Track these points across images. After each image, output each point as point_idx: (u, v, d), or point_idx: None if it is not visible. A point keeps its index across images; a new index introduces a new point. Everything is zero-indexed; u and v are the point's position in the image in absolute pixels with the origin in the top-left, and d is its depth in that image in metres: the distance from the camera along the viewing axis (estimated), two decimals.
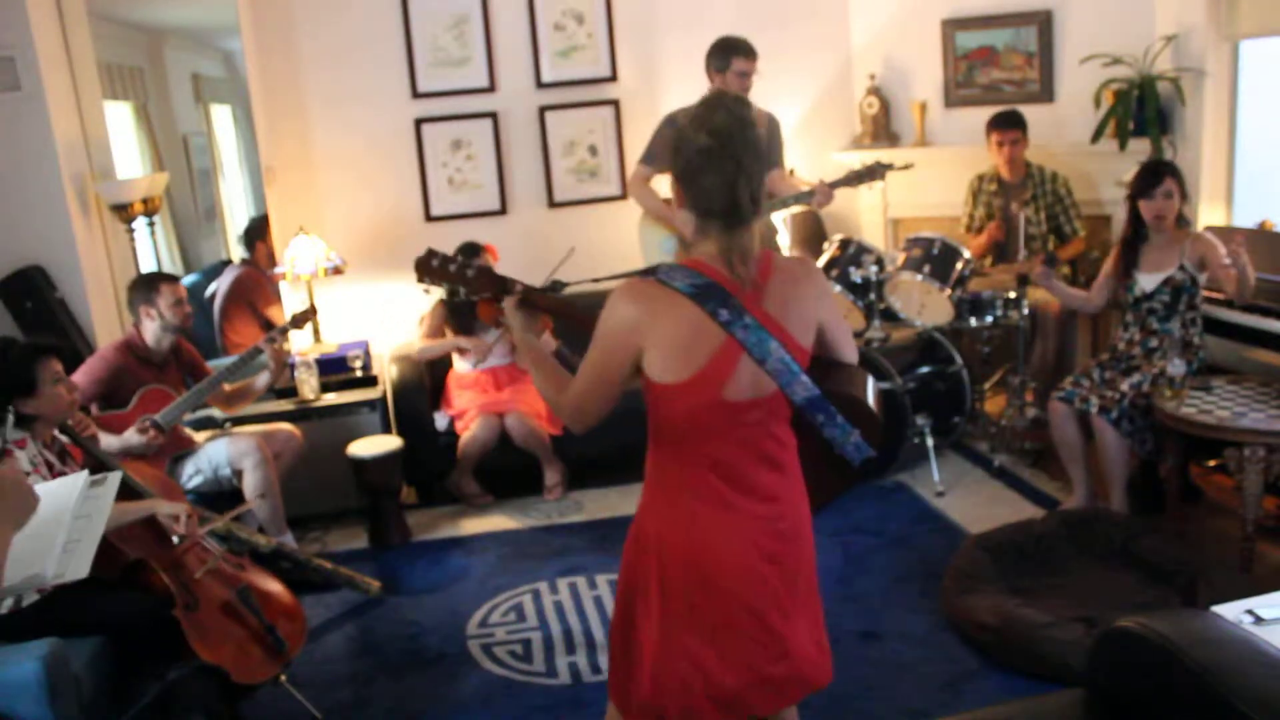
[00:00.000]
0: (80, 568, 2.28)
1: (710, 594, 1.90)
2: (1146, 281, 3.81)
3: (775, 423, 1.92)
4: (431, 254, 2.13)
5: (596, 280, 2.42)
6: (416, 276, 2.17)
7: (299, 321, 4.05)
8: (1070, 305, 4.28)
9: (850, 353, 2.06)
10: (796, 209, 4.93)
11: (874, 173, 4.10)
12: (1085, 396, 3.79)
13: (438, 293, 2.31)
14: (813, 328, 1.94)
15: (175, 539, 2.93)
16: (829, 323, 1.99)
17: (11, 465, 2.17)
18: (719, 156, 1.80)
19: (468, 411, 4.54)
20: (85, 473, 2.60)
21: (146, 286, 3.80)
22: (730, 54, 4.22)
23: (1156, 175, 3.75)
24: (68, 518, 2.40)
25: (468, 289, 2.11)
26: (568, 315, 2.23)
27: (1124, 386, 3.72)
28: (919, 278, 4.37)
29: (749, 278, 1.84)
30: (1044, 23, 5.05)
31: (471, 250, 4.51)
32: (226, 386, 3.95)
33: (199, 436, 4.01)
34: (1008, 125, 4.69)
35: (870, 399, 2.00)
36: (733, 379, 1.83)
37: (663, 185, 4.40)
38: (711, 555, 1.89)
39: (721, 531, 1.89)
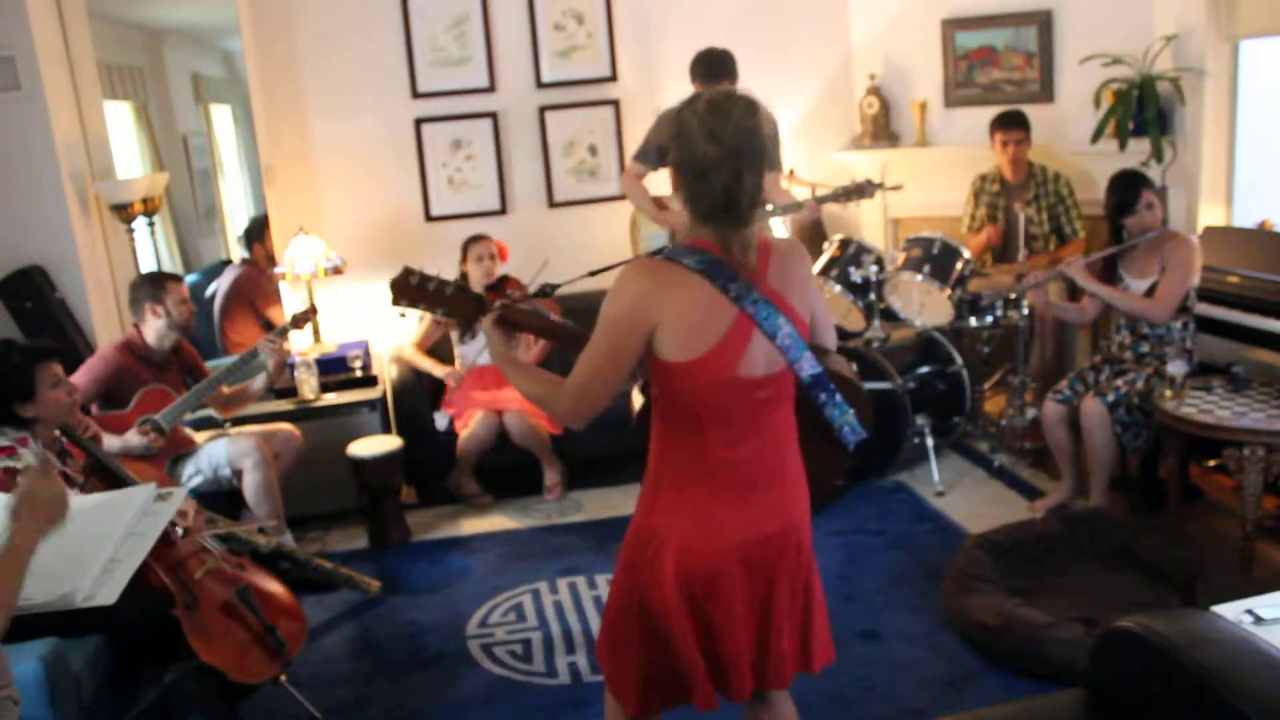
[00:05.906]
0: (112, 593, 2.26)
1: (710, 589, 1.89)
2: (1135, 287, 3.83)
3: (783, 402, 1.94)
4: (409, 272, 1.96)
5: (592, 274, 2.37)
6: (392, 299, 2.01)
7: (299, 322, 4.05)
8: (1065, 319, 4.39)
9: (830, 338, 2.11)
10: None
11: (863, 190, 4.13)
12: (1081, 393, 3.85)
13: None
14: (809, 306, 1.96)
15: (180, 531, 2.93)
16: (816, 304, 2.02)
17: (44, 474, 2.13)
18: (721, 167, 1.78)
19: (467, 409, 4.54)
20: (152, 486, 2.58)
21: (153, 284, 3.81)
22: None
23: (1134, 190, 3.78)
24: (119, 533, 2.38)
25: (447, 309, 2.00)
26: (548, 333, 2.18)
27: (1119, 383, 3.76)
28: (919, 278, 4.37)
29: (749, 262, 1.85)
30: (1044, 23, 5.05)
31: None
32: (225, 389, 3.96)
33: (199, 437, 4.01)
34: (1012, 125, 4.69)
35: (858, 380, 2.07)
36: (746, 355, 1.83)
37: (656, 182, 4.40)
38: (716, 547, 1.88)
39: (728, 521, 1.89)
